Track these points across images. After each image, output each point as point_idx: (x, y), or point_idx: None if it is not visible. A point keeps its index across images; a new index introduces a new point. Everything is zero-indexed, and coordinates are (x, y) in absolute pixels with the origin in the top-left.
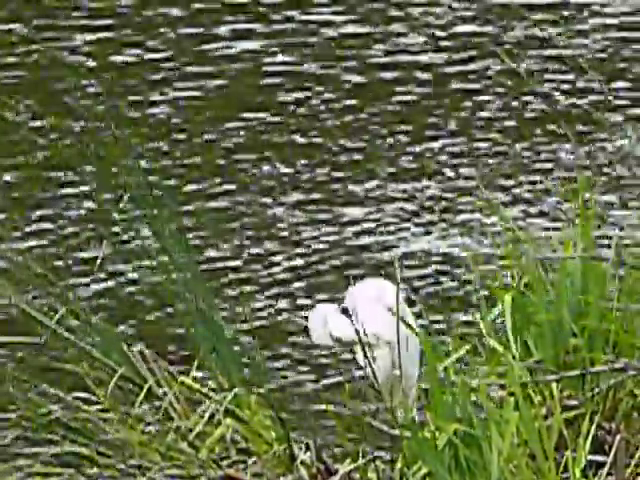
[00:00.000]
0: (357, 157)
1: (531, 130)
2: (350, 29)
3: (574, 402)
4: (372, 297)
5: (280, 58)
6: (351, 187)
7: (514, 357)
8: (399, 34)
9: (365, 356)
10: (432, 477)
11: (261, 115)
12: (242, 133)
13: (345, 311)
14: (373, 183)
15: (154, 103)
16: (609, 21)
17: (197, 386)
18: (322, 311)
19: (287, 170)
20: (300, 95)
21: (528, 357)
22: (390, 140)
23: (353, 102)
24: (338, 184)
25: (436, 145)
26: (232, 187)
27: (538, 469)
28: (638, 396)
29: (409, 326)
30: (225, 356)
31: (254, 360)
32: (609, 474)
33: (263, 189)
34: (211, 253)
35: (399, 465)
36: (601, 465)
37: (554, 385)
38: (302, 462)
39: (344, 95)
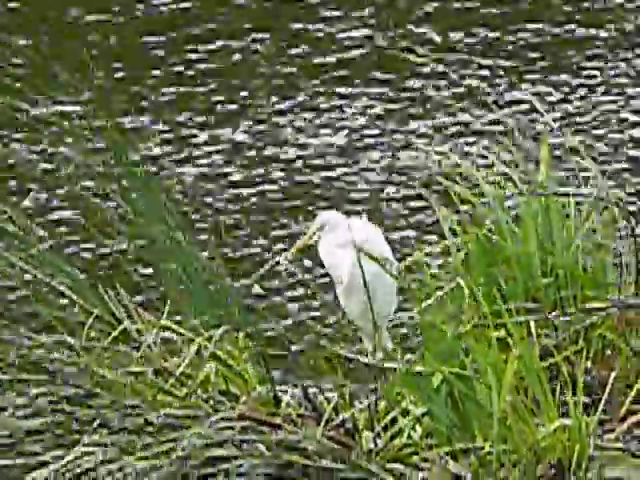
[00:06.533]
0: None
1: None
2: None
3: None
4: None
5: None
6: None
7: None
8: None
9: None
10: (429, 415)
11: None
12: None
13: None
14: None
15: None
16: None
17: (178, 328)
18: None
19: None
20: None
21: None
22: None
23: None
24: None
25: None
26: None
27: (536, 407)
28: (607, 337)
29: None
30: (201, 297)
31: (234, 300)
32: (604, 411)
33: None
34: None
35: (383, 404)
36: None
37: (532, 324)
38: (287, 404)
39: None
